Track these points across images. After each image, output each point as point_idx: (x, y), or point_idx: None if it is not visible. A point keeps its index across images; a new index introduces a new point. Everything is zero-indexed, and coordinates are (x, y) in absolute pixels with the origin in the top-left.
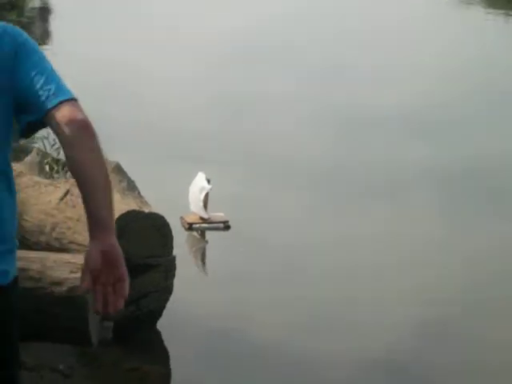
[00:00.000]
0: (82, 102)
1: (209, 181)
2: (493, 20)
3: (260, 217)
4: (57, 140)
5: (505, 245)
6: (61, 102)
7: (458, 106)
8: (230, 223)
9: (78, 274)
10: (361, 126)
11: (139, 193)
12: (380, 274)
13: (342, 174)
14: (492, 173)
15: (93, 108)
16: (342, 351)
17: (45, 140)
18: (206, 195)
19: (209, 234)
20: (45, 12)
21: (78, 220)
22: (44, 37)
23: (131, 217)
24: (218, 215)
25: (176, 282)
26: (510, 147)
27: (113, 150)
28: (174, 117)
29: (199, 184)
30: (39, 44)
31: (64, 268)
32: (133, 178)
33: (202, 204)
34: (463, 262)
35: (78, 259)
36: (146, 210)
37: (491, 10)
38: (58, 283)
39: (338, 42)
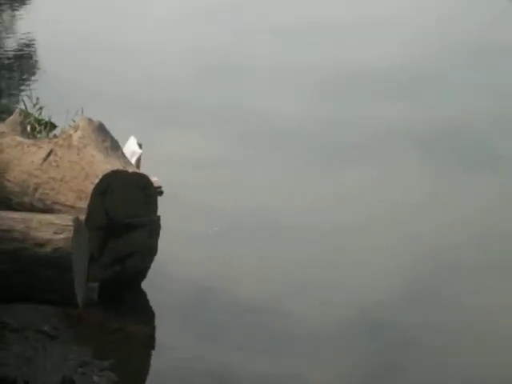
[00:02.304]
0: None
1: (140, 145)
2: None
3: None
4: (39, 99)
5: (485, 202)
6: None
7: (434, 63)
8: (163, 188)
9: (63, 235)
10: (334, 83)
11: (123, 152)
12: (357, 233)
13: (310, 132)
14: (468, 132)
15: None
16: (325, 308)
17: (27, 98)
18: (138, 159)
19: None
20: None
21: (61, 180)
22: None
23: (115, 177)
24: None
25: None
26: (487, 105)
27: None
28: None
29: (131, 148)
30: (20, 4)
31: (48, 229)
32: None
33: None
34: (445, 219)
35: (63, 220)
36: (130, 170)
37: None
38: (42, 244)
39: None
